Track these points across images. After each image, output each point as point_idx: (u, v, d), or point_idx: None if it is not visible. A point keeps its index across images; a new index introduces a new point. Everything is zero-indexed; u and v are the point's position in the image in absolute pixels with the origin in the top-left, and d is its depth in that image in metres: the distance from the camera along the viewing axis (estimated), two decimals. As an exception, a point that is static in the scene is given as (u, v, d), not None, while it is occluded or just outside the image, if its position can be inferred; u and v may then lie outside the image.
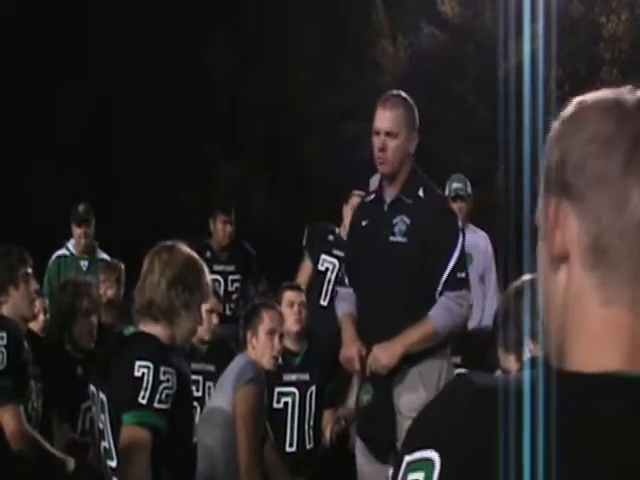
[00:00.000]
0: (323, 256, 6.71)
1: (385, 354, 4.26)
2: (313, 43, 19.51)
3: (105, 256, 7.41)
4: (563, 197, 1.01)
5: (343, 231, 6.75)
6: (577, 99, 1.05)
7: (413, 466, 0.92)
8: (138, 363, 3.24)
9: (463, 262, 4.37)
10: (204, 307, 5.42)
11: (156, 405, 3.20)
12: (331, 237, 6.78)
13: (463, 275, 4.35)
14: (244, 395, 4.67)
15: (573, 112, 1.04)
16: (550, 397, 0.91)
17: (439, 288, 4.30)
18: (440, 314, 4.29)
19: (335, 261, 6.69)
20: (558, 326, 1.01)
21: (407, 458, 0.94)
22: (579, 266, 0.99)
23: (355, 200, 6.71)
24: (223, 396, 4.76)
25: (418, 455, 0.92)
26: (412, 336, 4.28)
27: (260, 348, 4.91)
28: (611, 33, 19.55)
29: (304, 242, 6.86)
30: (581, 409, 0.90)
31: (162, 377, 3.22)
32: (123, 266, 6.98)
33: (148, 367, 3.23)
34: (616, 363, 0.94)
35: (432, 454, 0.91)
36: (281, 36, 19.77)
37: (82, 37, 19.06)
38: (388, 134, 4.31)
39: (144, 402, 3.20)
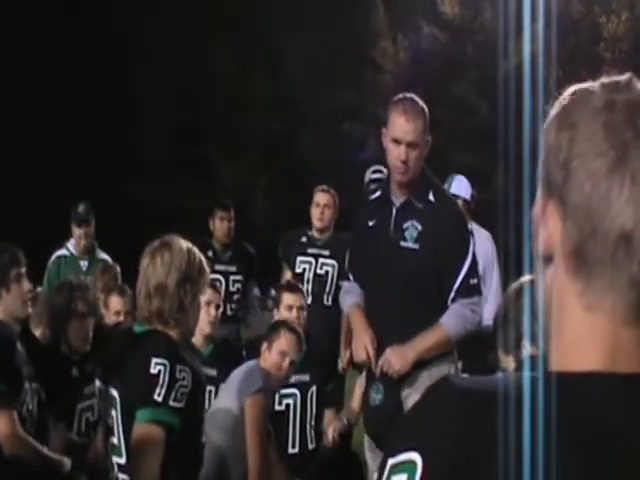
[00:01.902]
0: (299, 258, 6.73)
1: (398, 359, 4.23)
2: (313, 43, 19.51)
3: (105, 256, 7.40)
4: (550, 195, 0.99)
5: (315, 232, 6.76)
6: (571, 90, 1.02)
7: (396, 469, 0.92)
8: (154, 360, 3.22)
9: (475, 268, 4.35)
10: (201, 299, 5.37)
11: (171, 403, 3.18)
12: (304, 239, 6.79)
13: (475, 281, 4.32)
14: (255, 404, 4.66)
15: (564, 106, 1.01)
16: (533, 398, 0.91)
17: (452, 294, 4.26)
18: (453, 321, 4.26)
19: (311, 259, 6.70)
20: (546, 325, 1.01)
21: (390, 461, 0.93)
22: (562, 269, 0.98)
23: (319, 196, 6.75)
24: (231, 398, 4.74)
25: (401, 457, 0.92)
26: (425, 342, 4.25)
27: (269, 363, 4.90)
28: (611, 33, 19.57)
29: (279, 254, 6.90)
30: (561, 408, 0.90)
31: (178, 375, 3.20)
32: (119, 268, 6.98)
33: (164, 365, 3.21)
34: (594, 364, 0.94)
35: (414, 456, 0.91)
36: (281, 36, 19.77)
37: (83, 37, 19.06)
38: (410, 145, 4.28)
39: (159, 399, 3.17)
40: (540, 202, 1.01)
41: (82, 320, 4.90)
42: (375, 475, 0.96)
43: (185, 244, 3.49)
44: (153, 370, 3.20)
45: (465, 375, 1.02)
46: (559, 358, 0.97)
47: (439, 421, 0.93)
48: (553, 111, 1.02)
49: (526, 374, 0.95)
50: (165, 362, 3.21)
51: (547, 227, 0.99)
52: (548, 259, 1.00)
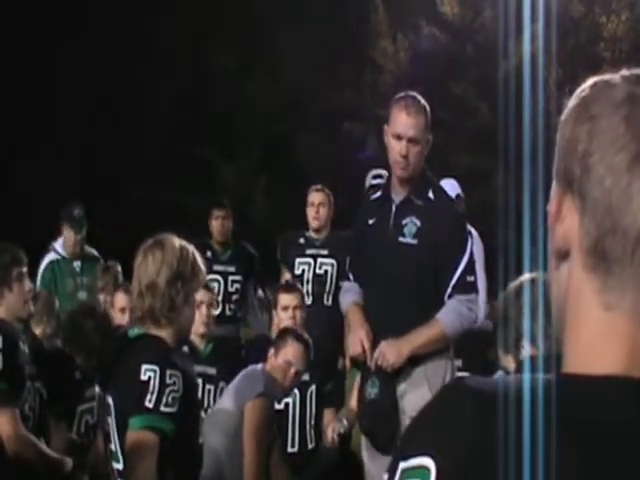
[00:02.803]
0: (297, 260, 6.73)
1: (393, 353, 4.26)
2: (313, 43, 19.51)
3: (93, 251, 7.40)
4: (568, 189, 0.96)
5: (312, 231, 6.77)
6: (592, 81, 0.98)
7: (408, 473, 0.89)
8: (144, 367, 3.21)
9: (472, 265, 4.37)
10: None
11: (163, 408, 3.18)
12: (302, 240, 6.80)
13: (472, 279, 4.35)
14: (256, 408, 4.65)
15: (584, 97, 0.97)
16: (546, 400, 0.89)
17: (449, 291, 4.30)
18: (450, 317, 4.29)
19: (309, 260, 6.71)
20: (559, 324, 0.99)
21: (402, 465, 0.90)
22: (580, 266, 0.95)
23: (313, 195, 6.77)
24: (232, 401, 4.74)
25: (413, 462, 0.89)
26: (421, 337, 4.28)
27: (275, 370, 4.90)
28: (611, 33, 19.57)
29: (278, 256, 6.91)
30: (573, 412, 0.88)
31: (168, 380, 3.20)
32: (119, 268, 6.97)
33: (154, 370, 3.20)
34: (611, 368, 0.91)
35: (427, 461, 0.88)
36: (281, 36, 19.78)
37: (82, 38, 19.06)
38: (411, 141, 4.31)
39: (151, 406, 3.17)
40: (556, 197, 0.98)
41: (95, 346, 4.92)
42: (385, 476, 0.92)
43: (179, 242, 3.47)
44: (143, 377, 3.19)
45: (478, 377, 0.97)
46: (574, 359, 0.95)
47: (454, 425, 0.90)
48: (571, 103, 0.99)
49: (540, 376, 0.93)
50: (155, 368, 3.21)
51: (564, 222, 0.97)
52: (563, 255, 0.98)
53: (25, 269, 4.37)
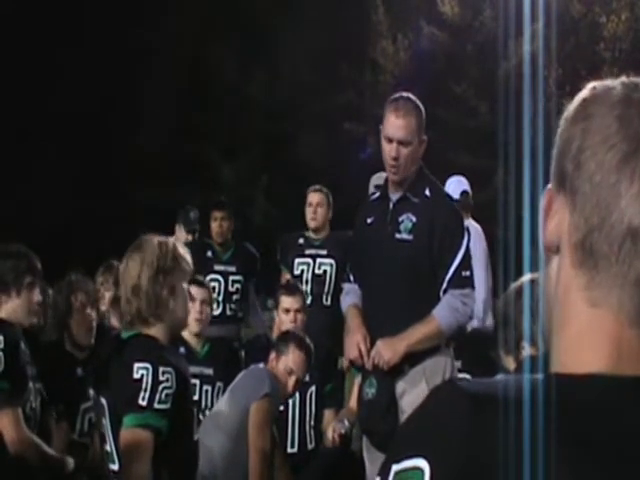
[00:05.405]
0: (296, 260, 6.73)
1: (389, 350, 4.27)
2: (314, 43, 19.52)
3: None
4: (560, 186, 0.98)
5: (311, 232, 6.78)
6: (591, 84, 1.01)
7: (401, 475, 0.89)
8: (137, 365, 3.23)
9: (468, 261, 4.39)
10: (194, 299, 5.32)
11: (156, 406, 3.19)
12: (301, 240, 6.81)
13: (468, 274, 4.37)
14: (261, 409, 4.65)
15: (583, 99, 1.00)
16: (536, 401, 0.89)
17: (444, 286, 4.32)
18: (445, 313, 4.30)
19: (309, 260, 6.72)
20: (548, 321, 1.00)
21: (395, 467, 0.90)
22: (568, 262, 0.97)
23: (311, 196, 6.78)
24: (235, 401, 4.74)
25: (406, 464, 0.89)
26: (416, 334, 4.29)
27: (277, 374, 4.88)
28: (611, 33, 19.56)
29: (278, 256, 6.92)
30: (563, 412, 0.88)
31: (161, 377, 3.21)
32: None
33: (147, 368, 3.21)
34: (598, 366, 0.92)
35: (421, 462, 0.88)
36: (282, 36, 19.79)
37: (82, 36, 19.07)
38: (401, 143, 4.32)
39: (144, 404, 3.18)
40: (549, 193, 1.00)
41: (83, 311, 4.93)
42: (377, 479, 0.91)
43: (157, 240, 3.47)
44: (136, 375, 3.21)
45: (469, 377, 0.98)
46: (563, 356, 0.96)
47: (447, 426, 0.90)
48: (571, 105, 1.01)
49: (530, 376, 0.93)
50: (147, 365, 3.22)
51: (554, 218, 0.98)
52: (554, 251, 0.99)
53: (38, 281, 4.35)
